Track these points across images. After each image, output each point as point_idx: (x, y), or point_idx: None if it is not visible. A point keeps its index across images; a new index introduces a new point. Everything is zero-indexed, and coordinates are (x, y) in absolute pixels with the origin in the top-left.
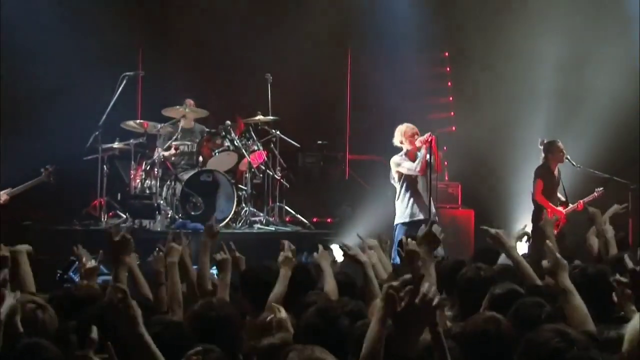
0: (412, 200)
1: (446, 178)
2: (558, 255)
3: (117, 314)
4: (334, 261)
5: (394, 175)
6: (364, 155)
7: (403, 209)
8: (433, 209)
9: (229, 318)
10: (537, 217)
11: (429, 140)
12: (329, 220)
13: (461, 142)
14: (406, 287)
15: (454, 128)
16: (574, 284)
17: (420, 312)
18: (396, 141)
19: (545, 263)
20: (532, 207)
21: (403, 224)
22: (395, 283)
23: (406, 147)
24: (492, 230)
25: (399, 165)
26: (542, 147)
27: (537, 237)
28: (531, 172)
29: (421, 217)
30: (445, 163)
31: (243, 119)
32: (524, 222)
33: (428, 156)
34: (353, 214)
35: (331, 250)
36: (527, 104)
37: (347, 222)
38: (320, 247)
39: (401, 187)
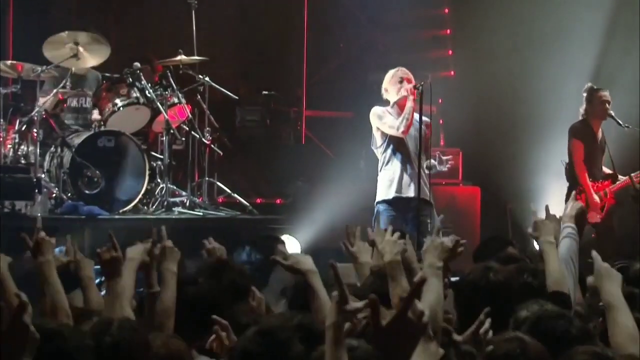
0: (399, 169)
1: (442, 142)
2: (603, 264)
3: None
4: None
5: (375, 135)
6: (327, 111)
7: (387, 182)
8: (426, 191)
9: (128, 345)
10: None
11: (417, 89)
12: (277, 201)
13: (462, 92)
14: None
15: (452, 72)
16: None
17: (413, 327)
18: (383, 89)
19: (590, 280)
20: (561, 182)
21: (384, 202)
22: (356, 305)
23: (391, 97)
24: (538, 217)
25: (381, 119)
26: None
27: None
28: (558, 133)
29: (410, 194)
30: (441, 121)
31: (158, 60)
32: (548, 202)
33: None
34: (311, 193)
35: (282, 243)
36: (560, 42)
37: (303, 204)
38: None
39: (385, 151)
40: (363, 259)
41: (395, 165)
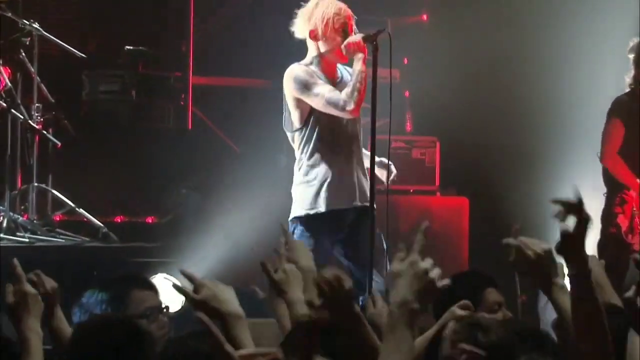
0: (330, 168)
1: (407, 127)
2: None
3: None
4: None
5: (292, 112)
6: (227, 76)
7: (308, 189)
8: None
9: None
10: (610, 211)
11: (373, 42)
12: (149, 219)
13: (440, 47)
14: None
15: (425, 16)
16: None
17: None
18: (301, 31)
19: None
20: (594, 187)
21: (304, 219)
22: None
23: (320, 48)
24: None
25: (308, 87)
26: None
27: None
28: (587, 112)
29: (343, 205)
30: (406, 94)
31: None
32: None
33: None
34: (203, 206)
35: (154, 287)
36: None
37: (190, 224)
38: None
39: (306, 139)
40: (304, 263)
41: (324, 161)
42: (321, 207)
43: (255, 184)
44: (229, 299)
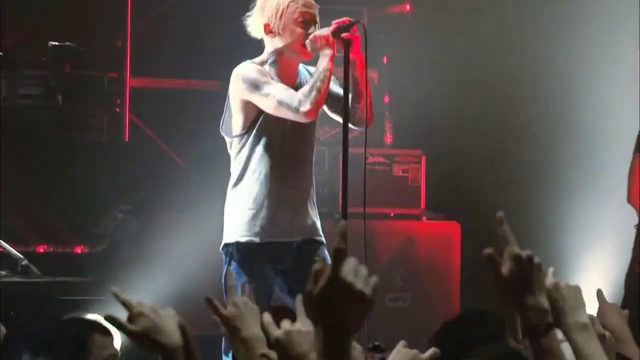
0: (267, 188)
1: (388, 139)
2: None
3: None
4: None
5: (235, 115)
6: (169, 78)
7: (238, 212)
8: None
9: None
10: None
11: (346, 38)
12: (78, 249)
13: (425, 42)
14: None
15: (407, 7)
16: None
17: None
18: (255, 28)
19: None
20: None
21: (234, 246)
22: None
23: (277, 45)
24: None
25: (254, 87)
26: None
27: None
28: (607, 126)
29: (283, 238)
30: (386, 99)
31: None
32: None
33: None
34: (143, 232)
35: (89, 327)
36: None
37: (126, 253)
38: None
39: (247, 148)
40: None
41: (265, 178)
42: (256, 237)
43: (204, 204)
44: (172, 330)
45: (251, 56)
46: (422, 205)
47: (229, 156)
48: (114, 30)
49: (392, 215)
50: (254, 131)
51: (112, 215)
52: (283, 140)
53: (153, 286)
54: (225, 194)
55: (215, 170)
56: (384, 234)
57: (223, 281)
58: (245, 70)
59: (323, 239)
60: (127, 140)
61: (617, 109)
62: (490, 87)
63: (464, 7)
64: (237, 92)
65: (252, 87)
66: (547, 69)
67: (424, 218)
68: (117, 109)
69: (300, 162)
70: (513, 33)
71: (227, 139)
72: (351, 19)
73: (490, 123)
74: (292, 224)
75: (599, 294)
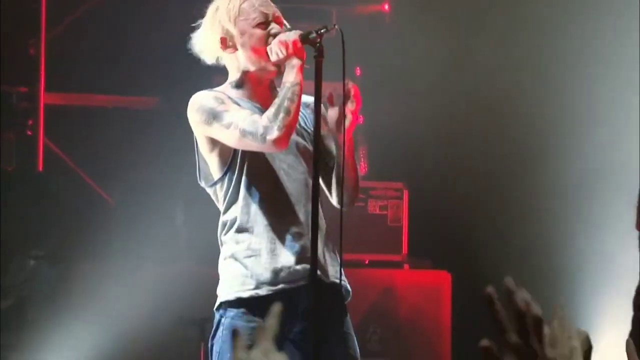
0: (270, 229)
1: (362, 169)
2: None
3: None
4: None
5: (206, 159)
6: (95, 93)
7: (234, 265)
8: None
9: None
10: None
11: (316, 43)
12: None
13: (407, 51)
14: None
15: (386, 6)
16: None
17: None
18: (209, 48)
19: None
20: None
21: (233, 304)
22: None
23: (239, 61)
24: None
25: (218, 119)
26: None
27: None
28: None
29: (295, 283)
30: (360, 119)
31: None
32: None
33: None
34: (58, 282)
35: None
36: None
37: (39, 310)
38: None
39: (232, 193)
40: None
41: (261, 220)
42: (261, 289)
43: (139, 251)
44: None
45: (200, 66)
46: (404, 250)
47: (167, 189)
48: (24, 34)
49: (367, 262)
50: (236, 171)
51: (21, 262)
52: (272, 175)
53: (74, 351)
54: (162, 237)
55: (148, 208)
56: (358, 285)
57: (211, 344)
58: (200, 100)
59: (347, 285)
60: (40, 169)
61: (622, 146)
62: (485, 103)
63: (452, 6)
64: (197, 128)
65: (210, 117)
66: (550, 80)
67: (406, 266)
68: (29, 132)
69: (300, 195)
70: (511, 49)
71: (208, 190)
72: (324, 24)
73: (485, 149)
74: (303, 266)
75: (628, 344)
